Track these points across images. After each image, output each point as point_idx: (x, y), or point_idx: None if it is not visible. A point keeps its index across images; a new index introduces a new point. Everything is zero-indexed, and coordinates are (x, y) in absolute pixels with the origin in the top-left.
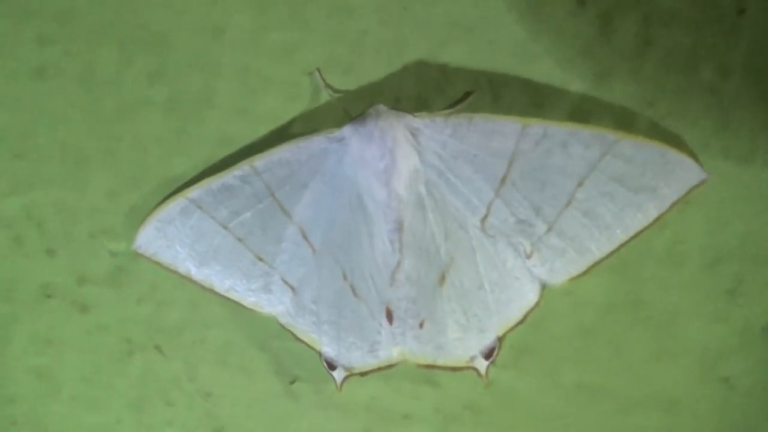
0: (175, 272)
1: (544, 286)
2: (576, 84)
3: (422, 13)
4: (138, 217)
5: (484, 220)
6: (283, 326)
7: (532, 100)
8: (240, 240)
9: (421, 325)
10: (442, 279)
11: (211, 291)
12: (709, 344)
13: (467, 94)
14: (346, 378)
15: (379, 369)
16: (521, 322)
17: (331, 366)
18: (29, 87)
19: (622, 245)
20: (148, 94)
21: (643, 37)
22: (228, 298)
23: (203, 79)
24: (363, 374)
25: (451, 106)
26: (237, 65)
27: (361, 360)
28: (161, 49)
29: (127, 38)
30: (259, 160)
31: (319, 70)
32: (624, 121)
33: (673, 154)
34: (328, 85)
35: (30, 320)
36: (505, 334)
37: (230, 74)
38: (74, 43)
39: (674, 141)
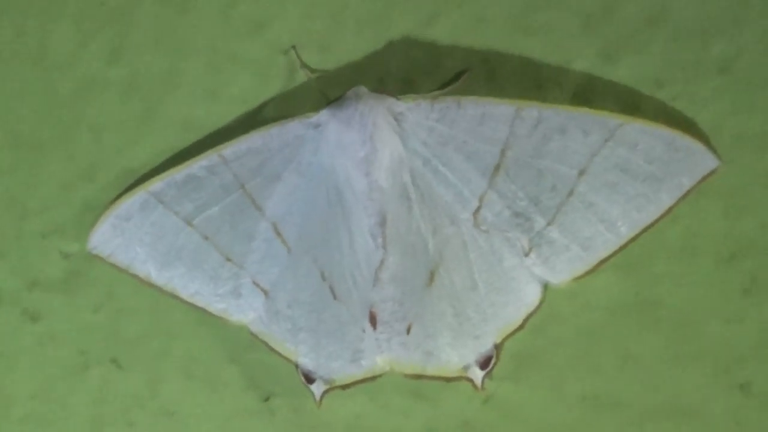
0: (134, 276)
1: (545, 287)
2: (578, 63)
3: None
4: (93, 213)
5: (476, 213)
6: (255, 336)
7: (531, 80)
8: (206, 238)
9: (408, 330)
10: (431, 278)
11: (175, 297)
12: (725, 347)
13: (459, 74)
14: (326, 392)
15: (363, 380)
16: (521, 327)
17: (309, 379)
18: None
19: (630, 241)
20: (107, 76)
21: (651, 11)
22: (193, 305)
23: (167, 59)
24: (345, 387)
25: (442, 87)
26: (204, 43)
27: (342, 370)
28: (121, 26)
29: (83, 14)
30: (228, 149)
31: (294, 47)
32: (630, 103)
33: (684, 140)
34: (304, 65)
35: None
36: (503, 341)
37: (196, 53)
38: (26, 21)
39: (684, 125)
